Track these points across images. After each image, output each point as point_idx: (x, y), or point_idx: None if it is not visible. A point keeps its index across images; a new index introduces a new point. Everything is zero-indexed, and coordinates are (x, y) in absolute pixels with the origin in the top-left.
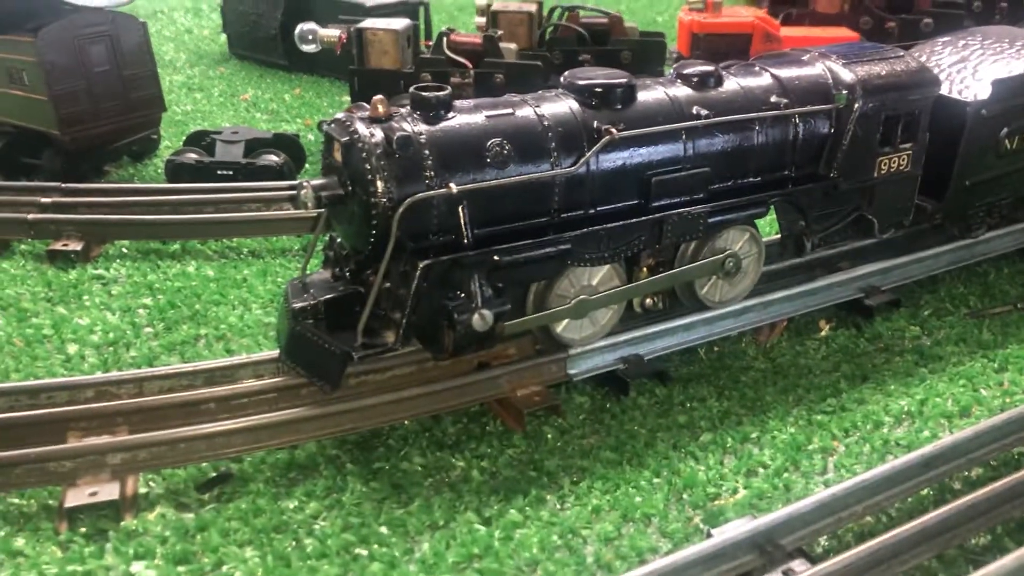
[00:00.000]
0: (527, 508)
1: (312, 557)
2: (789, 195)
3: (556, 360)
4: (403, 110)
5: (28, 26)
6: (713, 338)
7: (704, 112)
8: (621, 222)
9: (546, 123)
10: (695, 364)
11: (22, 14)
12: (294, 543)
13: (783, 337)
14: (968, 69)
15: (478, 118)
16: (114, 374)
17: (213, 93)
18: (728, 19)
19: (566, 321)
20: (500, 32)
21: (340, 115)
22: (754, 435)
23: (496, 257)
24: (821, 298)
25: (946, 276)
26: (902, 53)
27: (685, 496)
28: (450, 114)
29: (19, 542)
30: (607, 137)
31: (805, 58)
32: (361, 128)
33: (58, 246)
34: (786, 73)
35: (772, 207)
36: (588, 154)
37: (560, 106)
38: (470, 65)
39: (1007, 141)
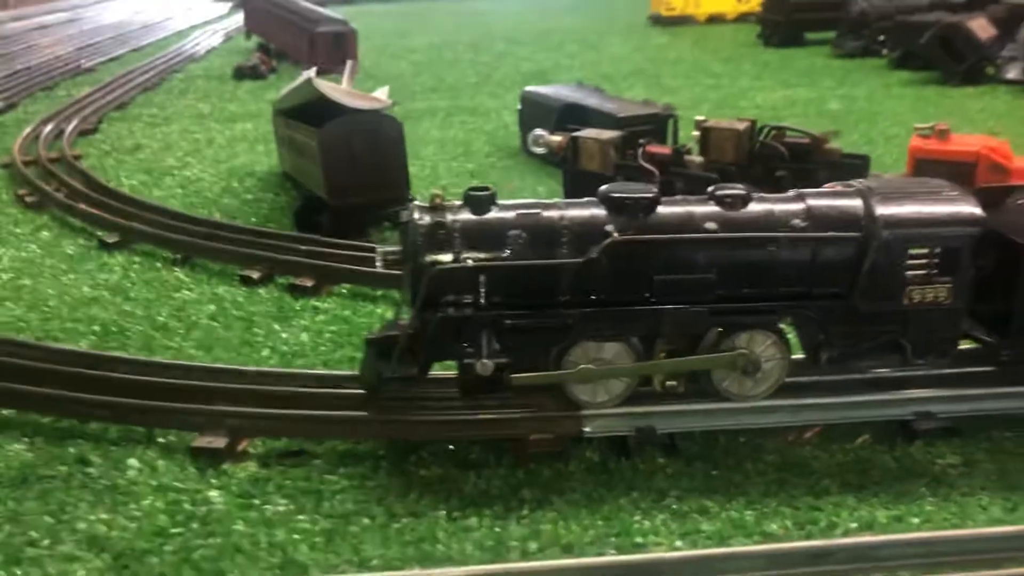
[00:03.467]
0: (490, 518)
1: (320, 515)
2: (800, 308)
3: (572, 416)
4: (456, 203)
5: (320, 121)
6: (736, 428)
7: (712, 227)
8: (622, 308)
9: (563, 223)
10: (712, 446)
11: (318, 113)
12: (315, 503)
13: (812, 441)
14: None
15: (509, 214)
16: (264, 368)
17: (489, 178)
18: (952, 147)
19: (581, 386)
20: (688, 146)
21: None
22: (714, 510)
23: (505, 320)
24: (863, 413)
25: None
26: (956, 193)
27: (613, 539)
28: (491, 209)
29: (159, 462)
30: (610, 239)
31: (847, 191)
32: (416, 213)
33: (296, 282)
34: (818, 202)
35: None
36: (596, 250)
37: (584, 212)
38: (657, 172)
39: None
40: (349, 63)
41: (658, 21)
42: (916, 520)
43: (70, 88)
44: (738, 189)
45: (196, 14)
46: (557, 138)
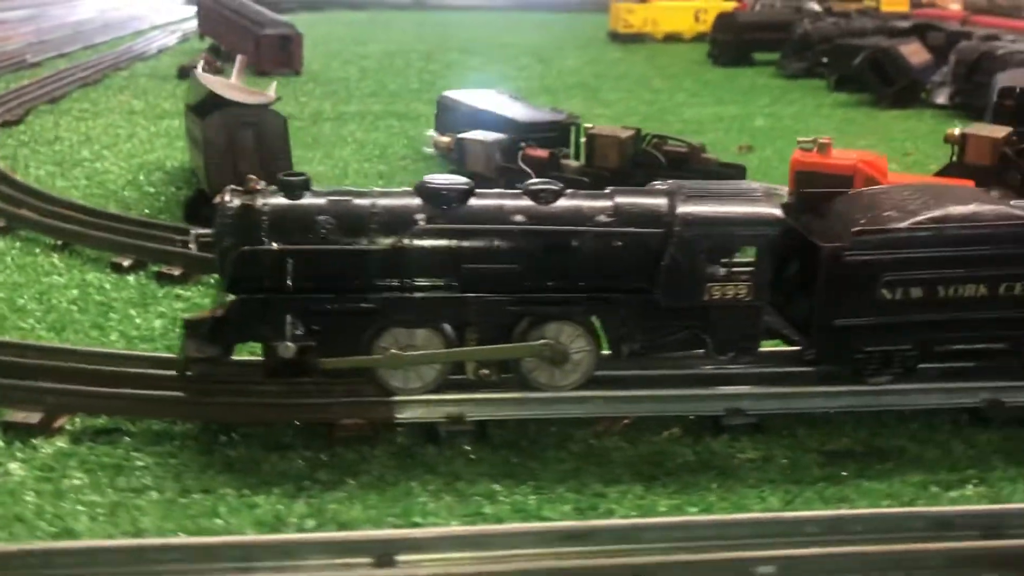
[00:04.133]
0: (278, 496)
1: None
2: (602, 302)
3: (385, 402)
4: (272, 188)
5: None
6: (546, 417)
7: (520, 219)
8: (425, 295)
9: (373, 211)
10: (522, 435)
11: (209, 108)
12: (112, 478)
13: (622, 432)
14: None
15: (321, 200)
16: (96, 348)
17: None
18: (831, 160)
19: (393, 372)
20: (566, 151)
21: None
22: (502, 494)
23: (310, 304)
24: (675, 407)
25: (846, 417)
26: (759, 195)
27: (392, 519)
28: (304, 195)
29: None
30: (416, 227)
31: (656, 190)
32: (227, 197)
33: (164, 270)
34: (626, 199)
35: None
36: (400, 237)
37: (397, 201)
38: (533, 174)
39: (886, 291)
40: (239, 58)
41: (616, 38)
42: (694, 509)
43: (9, 81)
44: (552, 184)
45: (162, 15)
46: (446, 139)
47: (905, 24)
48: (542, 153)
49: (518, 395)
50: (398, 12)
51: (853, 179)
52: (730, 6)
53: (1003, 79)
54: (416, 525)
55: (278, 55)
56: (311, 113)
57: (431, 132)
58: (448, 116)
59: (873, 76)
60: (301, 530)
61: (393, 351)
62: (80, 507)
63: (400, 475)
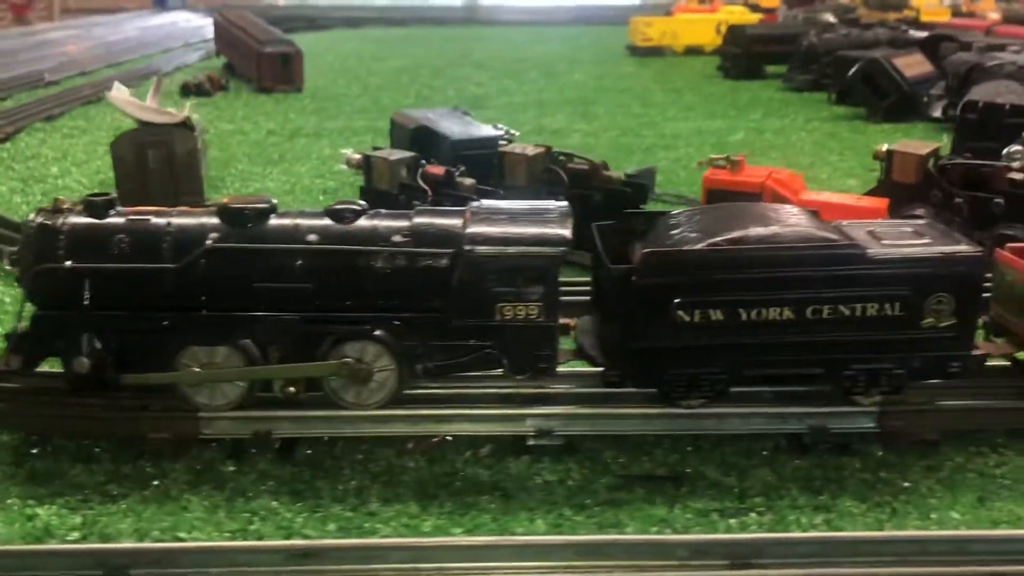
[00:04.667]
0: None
1: None
2: (395, 321)
3: (192, 418)
4: (78, 207)
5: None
6: (353, 435)
7: (313, 238)
8: (220, 314)
9: (168, 230)
10: (329, 454)
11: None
12: None
13: (430, 452)
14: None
15: (121, 220)
16: None
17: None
18: (740, 177)
19: (197, 389)
20: (462, 169)
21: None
22: (272, 509)
23: (106, 322)
24: (485, 427)
25: (664, 440)
26: (554, 215)
27: (157, 531)
28: (108, 215)
29: None
30: (205, 247)
31: (454, 210)
32: (32, 216)
33: None
34: (423, 219)
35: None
36: (190, 257)
37: (192, 220)
38: (430, 192)
39: (682, 313)
40: (155, 79)
41: (635, 52)
42: (459, 530)
43: (21, 98)
44: (355, 204)
45: (199, 34)
46: (357, 156)
47: (920, 35)
48: (438, 171)
49: (326, 413)
50: (437, 27)
51: (761, 196)
52: (755, 18)
53: (974, 92)
54: (179, 539)
55: (279, 72)
56: (291, 129)
57: (344, 150)
58: (397, 134)
59: (865, 89)
60: (64, 542)
61: (192, 368)
62: None
63: (187, 490)
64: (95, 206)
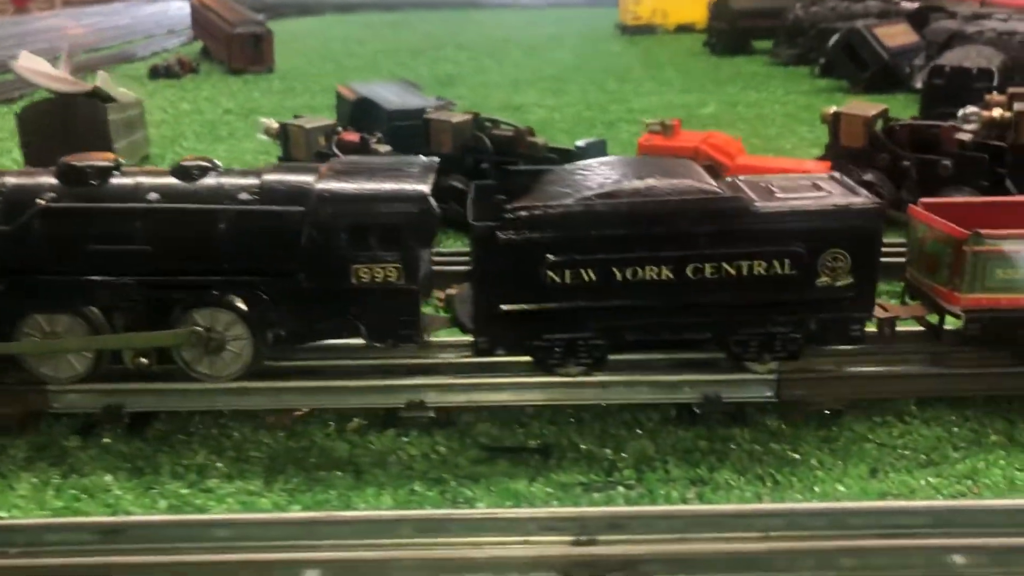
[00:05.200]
0: None
1: None
2: (244, 286)
3: (40, 391)
4: None
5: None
6: (210, 408)
7: (154, 197)
8: (50, 278)
9: (2, 190)
10: (183, 428)
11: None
12: None
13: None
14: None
15: None
16: None
17: None
18: (673, 142)
19: (41, 360)
20: (378, 136)
21: None
22: (106, 484)
23: None
24: (352, 400)
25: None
26: (416, 170)
27: None
28: None
29: None
30: (37, 207)
31: (308, 167)
32: None
33: None
34: (274, 176)
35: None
36: (22, 219)
37: (28, 179)
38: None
39: (552, 273)
40: (64, 50)
41: (625, 31)
42: (297, 507)
43: None
44: (204, 161)
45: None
46: (275, 125)
47: (912, 6)
48: (353, 137)
49: (181, 386)
50: (431, 12)
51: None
52: None
53: (944, 57)
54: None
55: (250, 53)
56: (250, 108)
57: (262, 119)
58: (341, 107)
59: (847, 60)
60: None
61: (32, 338)
62: None
63: (23, 466)
64: None
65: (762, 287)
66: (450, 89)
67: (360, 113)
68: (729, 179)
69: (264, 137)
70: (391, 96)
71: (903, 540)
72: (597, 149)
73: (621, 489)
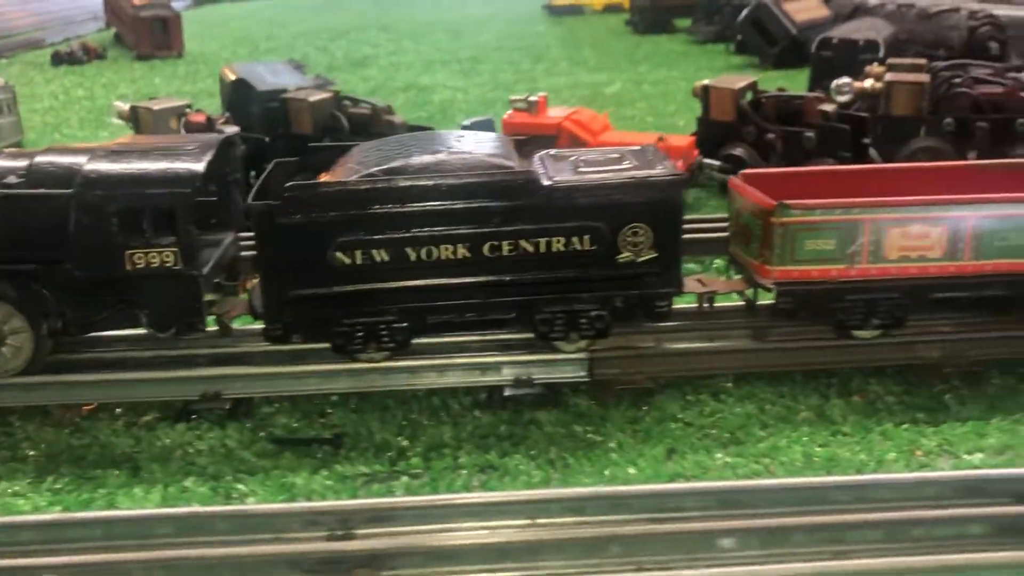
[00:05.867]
0: None
1: None
2: (15, 275)
3: None
4: None
5: None
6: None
7: None
8: None
9: None
10: None
11: None
12: None
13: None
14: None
15: None
16: None
17: None
18: (537, 119)
19: None
20: (227, 116)
21: None
22: None
23: None
24: (143, 392)
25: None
26: (193, 149)
27: None
28: None
29: None
30: None
31: (86, 149)
32: None
33: None
34: (47, 158)
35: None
36: None
37: None
38: None
39: (342, 255)
40: None
41: (552, 11)
42: (58, 508)
43: None
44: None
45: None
46: (126, 107)
47: None
48: (200, 118)
49: None
50: None
51: (557, 138)
52: None
53: (834, 30)
54: None
55: (158, 37)
56: (146, 94)
57: (116, 101)
58: (221, 88)
59: (756, 36)
60: None
61: None
62: None
63: None
64: None
65: (563, 264)
66: (361, 70)
67: (236, 94)
68: (540, 154)
69: (118, 121)
70: (267, 76)
71: (673, 525)
72: (484, 127)
73: (405, 479)
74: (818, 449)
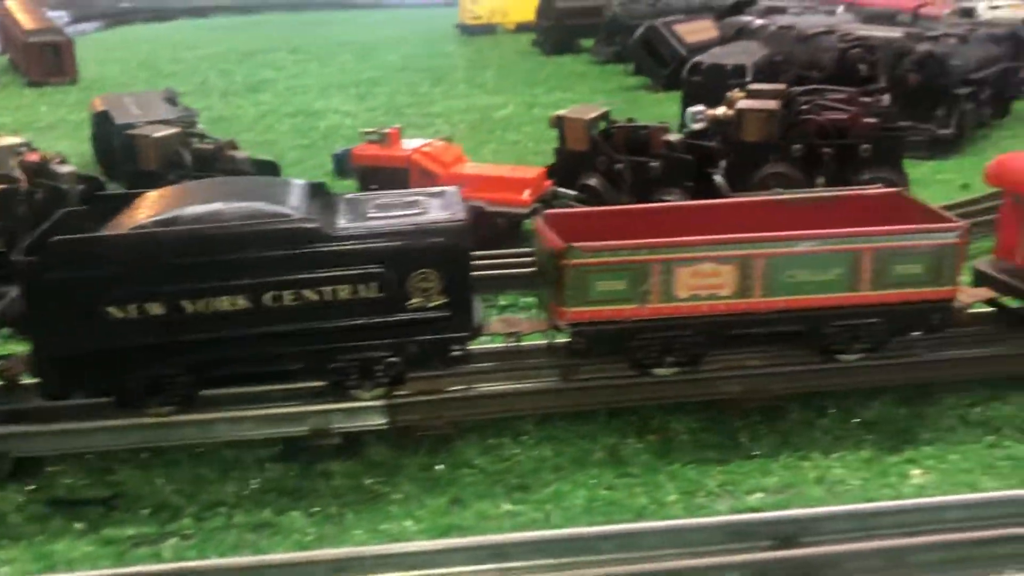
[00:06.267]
0: None
1: None
2: None
3: None
4: None
5: None
6: None
7: None
8: None
9: None
10: None
11: None
12: None
13: None
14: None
15: None
16: None
17: None
18: (389, 152)
19: None
20: (62, 156)
21: None
22: None
23: None
24: None
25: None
26: None
27: None
28: None
29: None
30: None
31: None
32: None
33: None
34: None
35: None
36: None
37: None
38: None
39: (115, 309)
40: None
41: (464, 30)
42: None
43: None
44: None
45: None
46: None
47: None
48: (34, 157)
49: None
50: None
51: (408, 172)
52: None
53: (707, 54)
54: None
55: (49, 63)
56: (29, 122)
57: None
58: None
59: (647, 57)
60: None
61: None
62: None
63: None
64: None
65: (353, 312)
66: (255, 95)
67: (99, 127)
68: (338, 197)
69: None
70: (132, 108)
71: None
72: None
73: (174, 540)
74: (603, 492)
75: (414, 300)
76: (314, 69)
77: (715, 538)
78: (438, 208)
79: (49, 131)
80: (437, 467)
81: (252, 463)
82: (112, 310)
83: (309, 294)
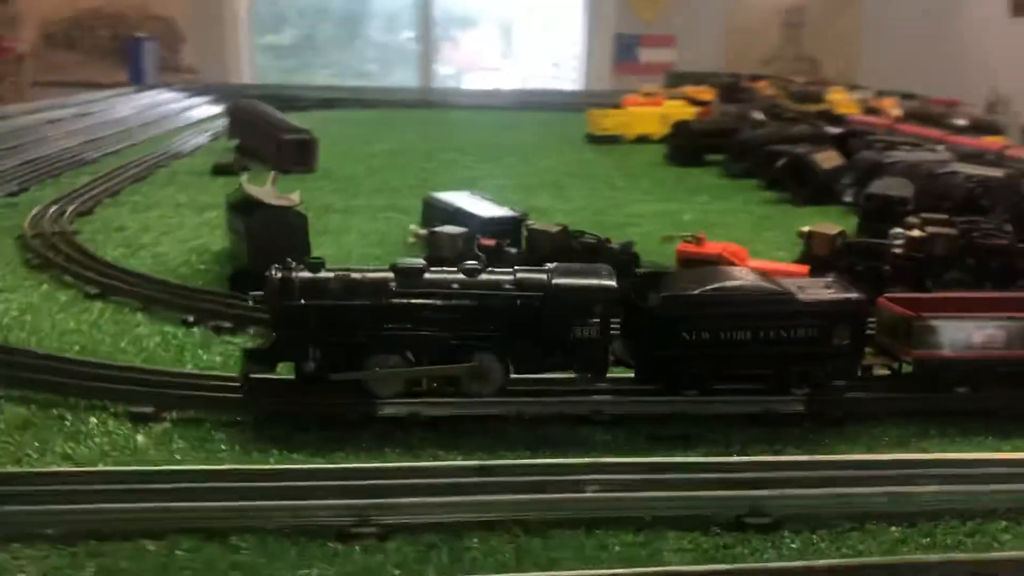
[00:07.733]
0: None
1: (204, 452)
2: None
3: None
4: (300, 267)
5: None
6: None
7: (456, 285)
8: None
9: (363, 280)
10: None
11: (248, 207)
12: (199, 446)
13: None
14: (690, 284)
15: (331, 274)
16: (181, 370)
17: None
18: (703, 249)
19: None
20: (509, 241)
21: None
22: None
23: (321, 337)
24: None
25: None
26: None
27: None
28: (320, 271)
29: (109, 420)
30: (389, 290)
31: (542, 268)
32: (274, 272)
33: (219, 324)
34: (524, 275)
35: None
36: (378, 297)
37: (379, 275)
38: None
39: (686, 334)
40: (271, 174)
41: (593, 140)
42: None
43: (74, 177)
44: (477, 264)
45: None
46: (423, 232)
47: (835, 131)
48: (490, 242)
49: None
50: (405, 110)
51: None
52: (693, 110)
53: (872, 186)
54: None
55: (297, 156)
56: (322, 205)
57: (412, 226)
58: (430, 213)
59: (791, 179)
60: None
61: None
62: (179, 458)
63: None
64: (315, 266)
65: (801, 344)
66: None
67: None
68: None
69: (412, 240)
70: (479, 206)
71: None
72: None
73: None
74: None
75: (835, 340)
76: (497, 170)
77: None
78: (835, 289)
79: (355, 213)
80: None
81: None
82: (684, 334)
83: (783, 332)
